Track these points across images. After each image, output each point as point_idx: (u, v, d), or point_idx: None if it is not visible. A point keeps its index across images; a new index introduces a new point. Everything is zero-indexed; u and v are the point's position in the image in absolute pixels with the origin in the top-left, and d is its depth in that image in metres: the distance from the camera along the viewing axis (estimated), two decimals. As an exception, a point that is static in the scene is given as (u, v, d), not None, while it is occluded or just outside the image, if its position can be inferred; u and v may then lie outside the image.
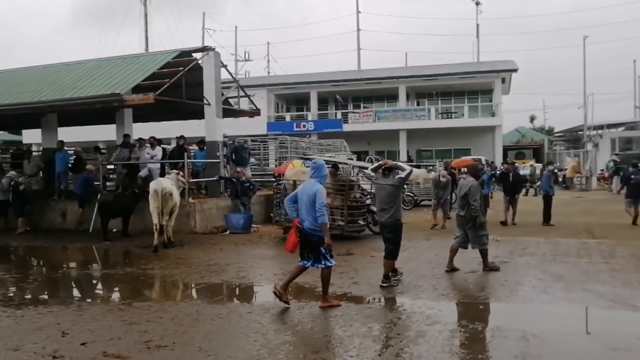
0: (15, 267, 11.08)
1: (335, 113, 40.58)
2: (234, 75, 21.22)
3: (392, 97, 41.30)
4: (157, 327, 5.99)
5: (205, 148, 15.33)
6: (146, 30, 43.20)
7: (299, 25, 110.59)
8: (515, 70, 38.25)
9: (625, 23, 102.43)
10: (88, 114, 17.14)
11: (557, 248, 10.67)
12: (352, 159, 20.18)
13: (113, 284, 8.94)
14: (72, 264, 11.36)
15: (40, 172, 16.92)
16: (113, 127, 17.94)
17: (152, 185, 11.47)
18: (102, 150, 18.68)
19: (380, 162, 8.41)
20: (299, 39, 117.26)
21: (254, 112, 18.36)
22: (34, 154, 19.21)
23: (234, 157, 15.64)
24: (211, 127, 15.19)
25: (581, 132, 43.74)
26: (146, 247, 11.42)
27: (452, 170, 19.41)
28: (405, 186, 15.17)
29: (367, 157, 24.71)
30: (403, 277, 8.04)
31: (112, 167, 16.94)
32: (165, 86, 13.03)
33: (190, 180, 14.31)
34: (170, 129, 20.77)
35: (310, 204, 6.48)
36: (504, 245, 10.80)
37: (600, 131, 41.67)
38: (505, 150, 40.19)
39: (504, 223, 14.23)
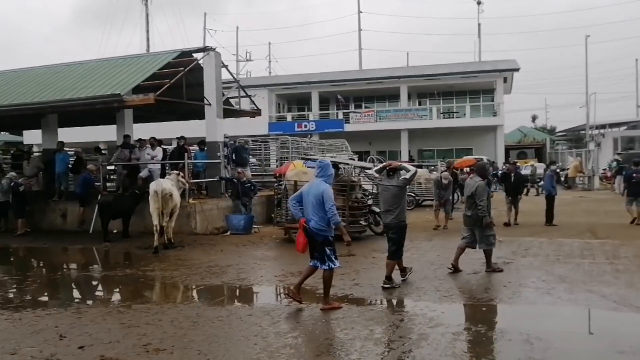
0: (15, 268, 11.02)
1: (337, 113, 40.50)
2: (235, 75, 21.17)
3: (393, 96, 41.24)
4: (156, 330, 5.92)
5: (205, 148, 15.28)
6: (147, 31, 43.21)
7: (300, 25, 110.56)
8: (517, 70, 38.19)
9: (626, 22, 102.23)
10: (88, 114, 17.08)
11: (560, 249, 10.59)
12: (353, 159, 20.08)
13: (112, 286, 8.88)
14: (72, 266, 11.30)
15: (40, 173, 16.87)
16: (113, 127, 17.89)
17: (152, 186, 11.41)
18: (103, 151, 18.66)
19: (384, 163, 8.35)
20: (301, 39, 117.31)
21: (255, 112, 18.30)
22: (34, 155, 19.16)
23: (234, 158, 15.57)
24: (212, 127, 15.13)
25: (583, 132, 43.58)
26: (146, 249, 11.37)
27: (455, 170, 19.34)
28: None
29: (369, 157, 24.59)
30: (414, 271, 8.09)
31: (112, 167, 16.90)
32: (166, 86, 12.97)
33: (191, 180, 14.25)
34: (170, 130, 20.71)
35: (316, 204, 6.44)
36: (506, 246, 10.71)
37: (602, 130, 41.52)
38: (507, 150, 40.09)
39: (507, 224, 14.13)
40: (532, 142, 47.34)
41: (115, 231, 13.33)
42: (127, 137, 15.94)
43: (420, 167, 23.48)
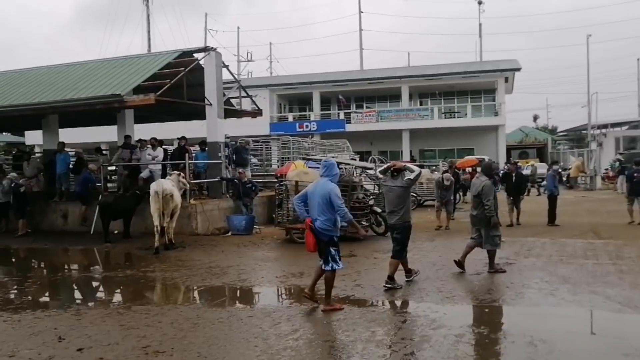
0: (15, 269, 11.00)
1: (338, 113, 40.46)
2: (236, 75, 21.10)
3: (394, 97, 41.20)
4: (156, 331, 5.87)
5: (206, 149, 15.23)
6: (148, 31, 43.16)
7: (301, 25, 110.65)
8: (518, 70, 38.13)
9: (627, 22, 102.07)
10: (89, 115, 17.04)
11: (563, 249, 10.52)
12: (354, 159, 20.02)
13: (113, 287, 8.83)
14: (72, 266, 11.26)
15: (40, 173, 16.85)
16: (114, 128, 17.85)
17: (153, 187, 11.37)
18: (104, 152, 18.64)
19: (389, 164, 8.31)
20: (302, 39, 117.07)
21: (256, 113, 18.24)
22: (34, 155, 19.15)
23: (234, 158, 15.52)
24: (212, 127, 15.08)
25: (585, 131, 43.47)
26: (147, 249, 11.34)
27: (456, 170, 19.27)
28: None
29: (370, 157, 24.50)
30: (419, 274, 8.06)
31: (113, 168, 16.87)
32: (166, 87, 12.94)
33: (192, 181, 14.21)
34: (171, 130, 20.68)
35: (323, 203, 6.41)
36: (509, 246, 10.63)
37: (604, 130, 41.39)
38: (509, 149, 40.02)
39: (509, 225, 14.04)
40: (534, 142, 47.25)
41: (116, 232, 13.30)
42: (127, 137, 15.91)
43: (422, 167, 23.43)
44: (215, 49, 15.10)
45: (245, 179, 14.50)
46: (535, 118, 78.19)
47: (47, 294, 8.69)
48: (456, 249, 10.19)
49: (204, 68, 14.90)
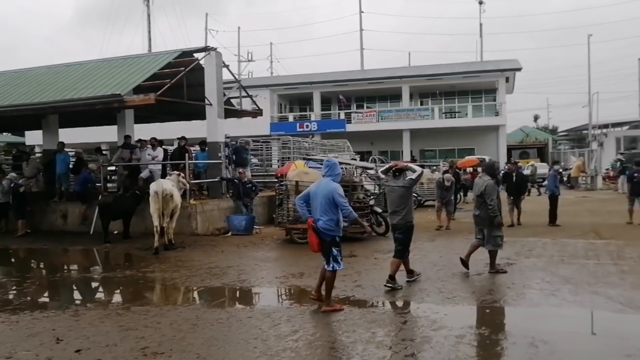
0: (14, 270, 10.96)
1: (339, 113, 40.40)
2: (236, 75, 21.06)
3: (395, 97, 41.15)
4: (154, 333, 5.84)
5: (206, 149, 15.20)
6: (149, 32, 43.19)
7: (301, 25, 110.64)
8: (519, 70, 38.07)
9: (628, 22, 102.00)
10: (89, 115, 17.01)
11: (564, 249, 10.47)
12: (355, 159, 19.98)
13: (112, 288, 8.80)
14: (72, 267, 11.23)
15: (40, 173, 16.82)
16: (114, 128, 17.83)
17: (153, 187, 11.34)
18: (104, 152, 18.61)
19: (390, 164, 8.27)
20: (302, 39, 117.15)
21: (257, 113, 18.20)
22: (33, 155, 19.13)
23: (234, 158, 15.49)
24: (213, 127, 15.05)
25: (586, 131, 43.41)
26: (147, 250, 11.30)
27: (457, 170, 19.22)
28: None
29: (371, 157, 24.51)
30: (420, 277, 8.03)
31: (113, 168, 16.84)
32: (166, 87, 12.90)
33: (192, 181, 14.18)
34: (171, 130, 20.63)
35: (326, 203, 6.39)
36: (510, 247, 10.56)
37: (605, 130, 41.33)
38: (509, 149, 39.96)
39: (510, 225, 13.99)
40: (535, 142, 47.18)
41: (115, 232, 13.27)
42: (127, 137, 15.88)
43: (422, 167, 23.39)
44: (216, 48, 15.07)
45: (246, 179, 14.46)
46: (536, 118, 78.22)
47: (45, 295, 8.65)
48: (457, 249, 10.16)
49: (204, 68, 14.87)
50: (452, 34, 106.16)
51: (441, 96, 41.28)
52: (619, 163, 28.80)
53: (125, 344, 5.49)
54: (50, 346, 5.48)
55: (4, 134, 41.22)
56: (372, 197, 12.99)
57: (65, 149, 16.72)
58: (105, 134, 24.06)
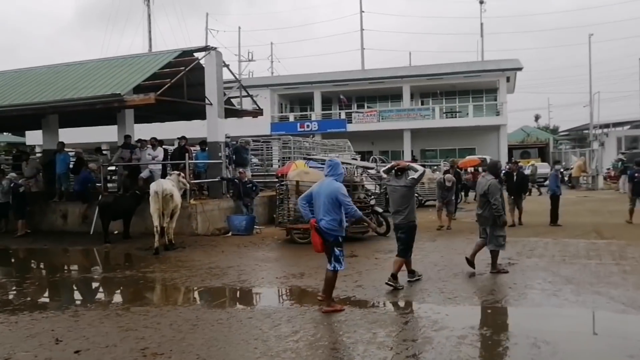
0: (14, 270, 10.93)
1: (339, 113, 40.36)
2: (237, 75, 21.03)
3: (396, 96, 41.10)
4: (154, 333, 5.81)
5: (207, 149, 15.17)
6: (149, 31, 43.10)
7: (302, 25, 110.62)
8: (519, 69, 38.00)
9: (629, 21, 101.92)
10: (89, 114, 16.99)
11: (566, 249, 10.43)
12: (356, 159, 19.94)
13: (112, 288, 8.76)
14: (72, 267, 11.19)
15: (39, 173, 16.80)
16: (114, 128, 17.81)
17: (153, 187, 11.31)
18: (104, 152, 18.58)
19: (392, 163, 8.24)
20: (303, 39, 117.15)
21: (257, 112, 18.18)
22: (33, 155, 19.11)
23: (235, 158, 15.45)
24: (213, 127, 15.02)
25: (587, 131, 43.34)
26: (147, 250, 11.27)
27: (458, 170, 19.19)
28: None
29: (371, 157, 24.48)
30: (422, 278, 8.00)
31: (113, 168, 16.82)
32: (167, 86, 12.87)
33: (192, 181, 14.15)
34: (172, 130, 20.62)
35: (329, 203, 6.37)
36: (511, 247, 10.52)
37: (606, 130, 41.29)
38: (510, 149, 39.91)
39: (511, 225, 13.95)
40: (535, 142, 47.13)
41: (115, 232, 13.24)
42: (127, 137, 15.86)
43: (423, 167, 23.33)
44: (216, 48, 15.04)
45: (246, 179, 14.43)
46: (537, 118, 78.15)
47: (45, 295, 8.61)
48: (458, 249, 10.14)
49: (205, 67, 14.85)
50: (453, 33, 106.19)
51: (442, 96, 41.23)
52: (620, 163, 28.75)
53: (125, 344, 5.45)
54: (50, 347, 5.45)
55: (4, 134, 41.22)
56: (372, 197, 12.95)
57: (65, 149, 16.70)
58: (105, 134, 24.05)
